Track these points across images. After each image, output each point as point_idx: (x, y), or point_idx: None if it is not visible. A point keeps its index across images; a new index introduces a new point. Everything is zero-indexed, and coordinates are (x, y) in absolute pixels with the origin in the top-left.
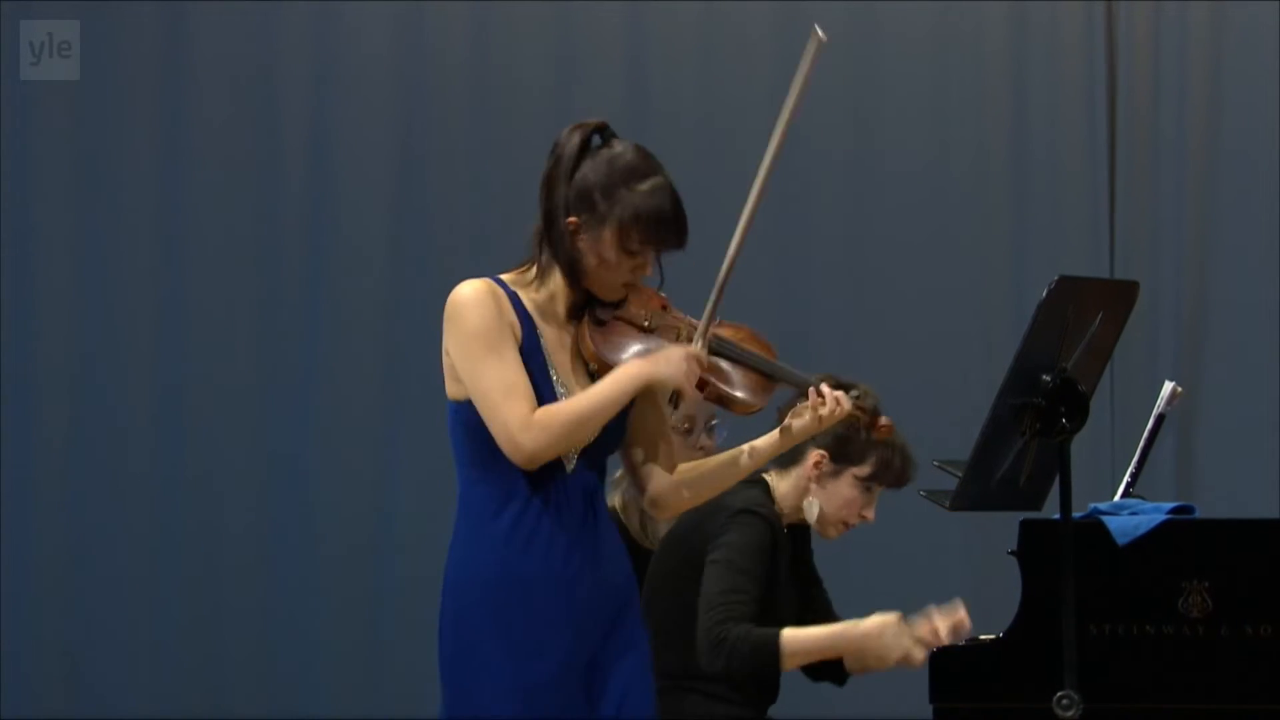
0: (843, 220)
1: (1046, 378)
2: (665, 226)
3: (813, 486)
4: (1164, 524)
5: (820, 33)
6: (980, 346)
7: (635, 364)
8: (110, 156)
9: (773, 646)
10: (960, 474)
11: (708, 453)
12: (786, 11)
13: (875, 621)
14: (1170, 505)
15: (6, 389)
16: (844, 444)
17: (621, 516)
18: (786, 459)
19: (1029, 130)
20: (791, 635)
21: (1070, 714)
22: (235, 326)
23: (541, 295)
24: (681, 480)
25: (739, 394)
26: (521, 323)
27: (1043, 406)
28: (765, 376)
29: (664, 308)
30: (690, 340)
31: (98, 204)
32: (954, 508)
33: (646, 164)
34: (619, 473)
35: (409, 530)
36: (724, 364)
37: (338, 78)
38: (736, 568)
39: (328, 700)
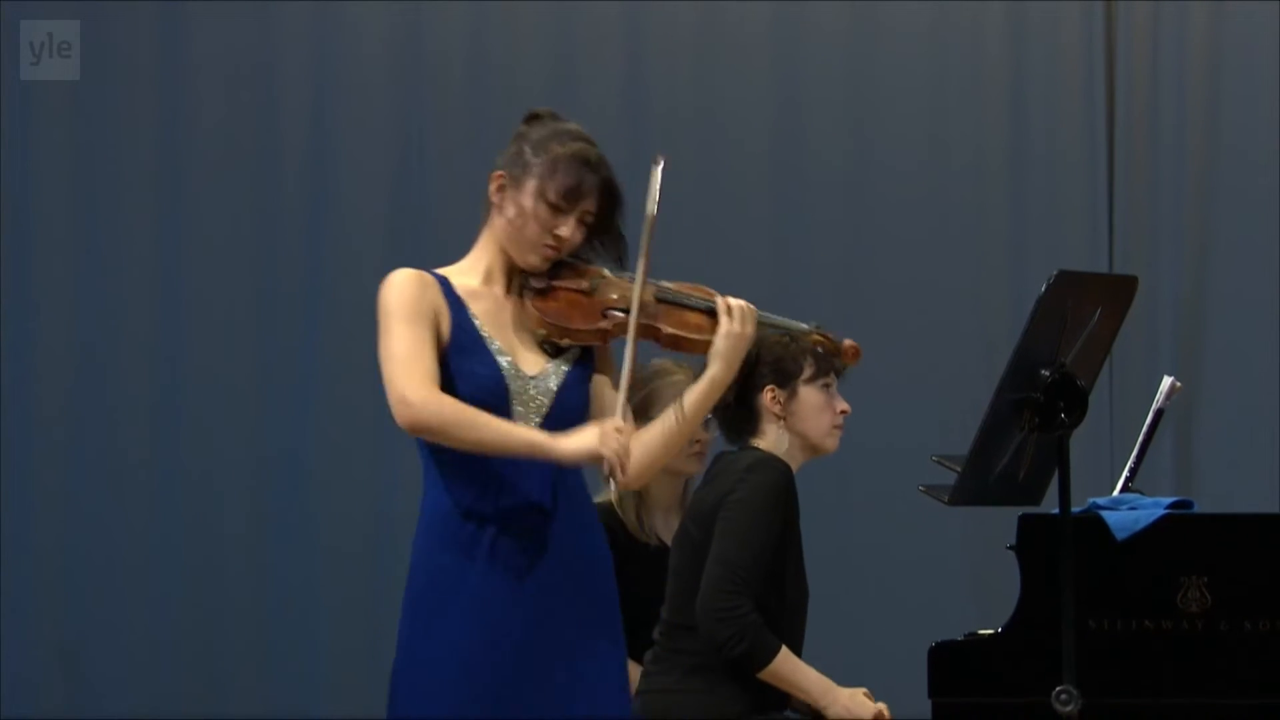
0: (841, 216)
1: (1045, 373)
2: (585, 181)
3: (784, 422)
4: (1163, 519)
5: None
6: (979, 342)
7: (551, 438)
8: (110, 156)
9: (767, 656)
10: (959, 469)
11: (704, 446)
12: (785, 11)
13: (846, 702)
14: (1169, 500)
15: (6, 388)
16: (779, 367)
17: (617, 511)
18: (744, 427)
19: (1028, 126)
20: (784, 658)
21: (1069, 709)
22: (234, 325)
23: (475, 277)
24: (637, 441)
25: (692, 335)
26: (450, 306)
27: (1041, 401)
28: (708, 314)
29: (603, 276)
30: (628, 299)
31: (98, 204)
32: (953, 503)
33: (584, 136)
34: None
35: (409, 528)
36: (678, 311)
37: (337, 77)
38: (748, 523)
39: (328, 700)
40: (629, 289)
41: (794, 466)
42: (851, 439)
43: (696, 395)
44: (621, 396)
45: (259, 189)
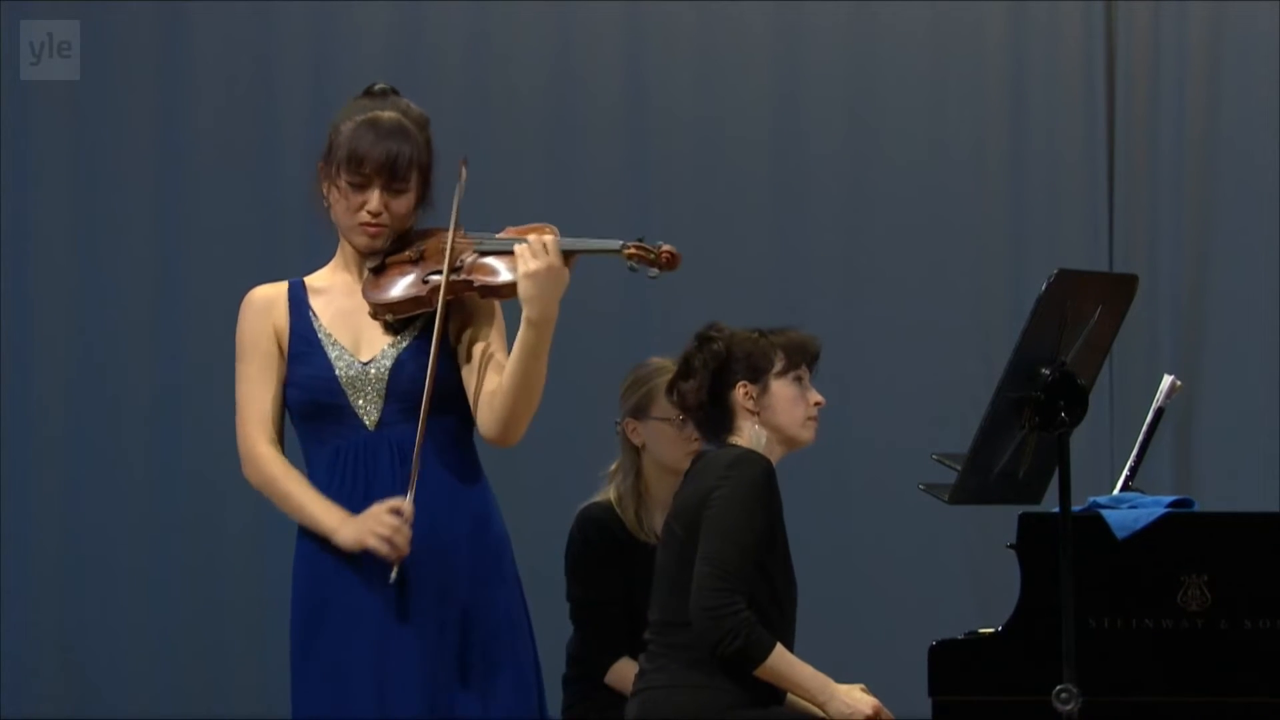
0: (841, 214)
1: (1045, 371)
2: (361, 146)
3: (759, 417)
4: (1163, 517)
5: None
6: (979, 340)
7: (337, 524)
8: (110, 156)
9: (762, 653)
10: (959, 467)
11: (701, 445)
12: (784, 11)
13: (844, 698)
14: (1169, 499)
15: (5, 387)
16: (750, 362)
17: (617, 509)
18: (720, 426)
19: (1028, 126)
20: (779, 655)
21: (1069, 707)
22: (234, 324)
23: (333, 271)
24: (488, 399)
25: (504, 279)
26: (293, 313)
27: (1042, 400)
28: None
29: (434, 240)
30: (453, 255)
31: (98, 203)
32: (953, 501)
33: (382, 102)
34: (614, 465)
35: None
36: (490, 260)
37: (337, 77)
38: (734, 520)
39: None
40: (457, 249)
41: (772, 461)
42: (852, 437)
43: (520, 340)
44: (428, 382)
45: (259, 189)
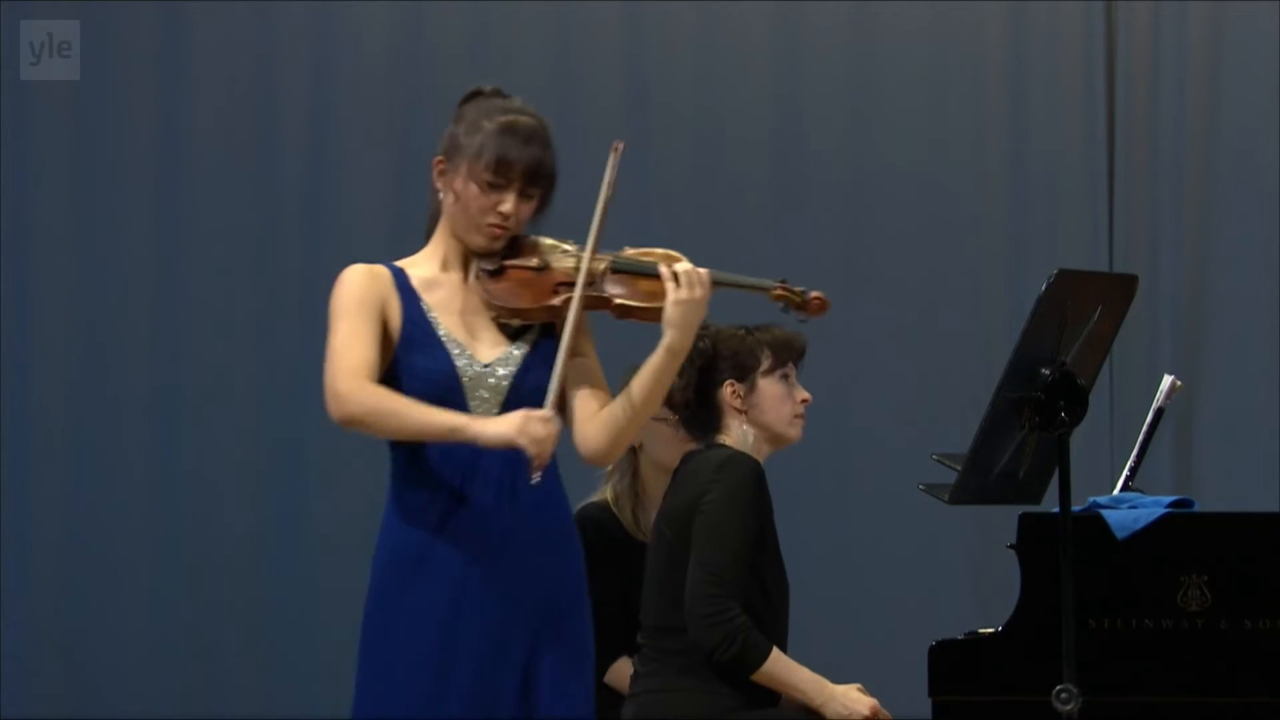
0: (841, 216)
1: (1046, 371)
2: (511, 152)
3: (746, 415)
4: (1163, 517)
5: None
6: (979, 340)
7: (472, 420)
8: (110, 156)
9: (758, 658)
10: (959, 467)
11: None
12: (784, 11)
13: (841, 699)
14: (1169, 499)
15: (6, 387)
16: (736, 361)
17: (614, 509)
18: (708, 424)
19: (1028, 126)
20: (776, 659)
21: (1069, 707)
22: (235, 323)
23: (432, 265)
24: (601, 415)
25: (642, 301)
26: (402, 298)
27: (1042, 400)
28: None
29: (559, 251)
30: (589, 269)
31: (98, 203)
32: (953, 501)
33: (516, 109)
34: (610, 465)
35: None
36: (624, 280)
37: (337, 76)
38: (725, 525)
39: (328, 699)
40: (593, 264)
41: (760, 459)
42: (852, 437)
43: (655, 364)
44: (555, 382)
45: (259, 188)
